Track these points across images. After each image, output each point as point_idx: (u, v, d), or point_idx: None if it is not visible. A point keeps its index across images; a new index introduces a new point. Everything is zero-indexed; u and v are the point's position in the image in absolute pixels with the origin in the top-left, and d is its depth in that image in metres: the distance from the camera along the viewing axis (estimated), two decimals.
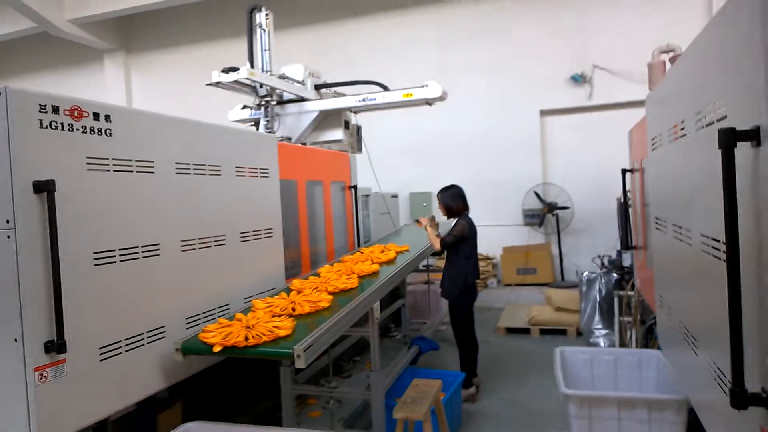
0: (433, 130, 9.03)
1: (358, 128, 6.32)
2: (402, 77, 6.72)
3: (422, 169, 9.16)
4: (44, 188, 2.02)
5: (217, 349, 2.48)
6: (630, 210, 5.97)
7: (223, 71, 4.50)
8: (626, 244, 4.97)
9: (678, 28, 7.07)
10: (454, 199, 4.76)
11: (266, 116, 4.99)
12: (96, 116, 2.30)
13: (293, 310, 2.92)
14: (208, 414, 2.91)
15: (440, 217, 5.04)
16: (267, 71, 4.87)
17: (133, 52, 11.00)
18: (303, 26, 9.74)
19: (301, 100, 5.30)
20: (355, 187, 5.19)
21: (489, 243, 8.57)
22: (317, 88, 5.55)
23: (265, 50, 4.92)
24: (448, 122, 8.91)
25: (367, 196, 5.76)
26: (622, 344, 5.57)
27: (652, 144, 2.97)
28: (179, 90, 10.24)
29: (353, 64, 9.04)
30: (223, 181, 3.14)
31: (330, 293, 3.22)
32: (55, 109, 2.12)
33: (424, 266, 6.32)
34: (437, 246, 4.60)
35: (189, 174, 2.86)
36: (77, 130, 2.21)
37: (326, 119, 5.58)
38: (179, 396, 3.16)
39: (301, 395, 3.87)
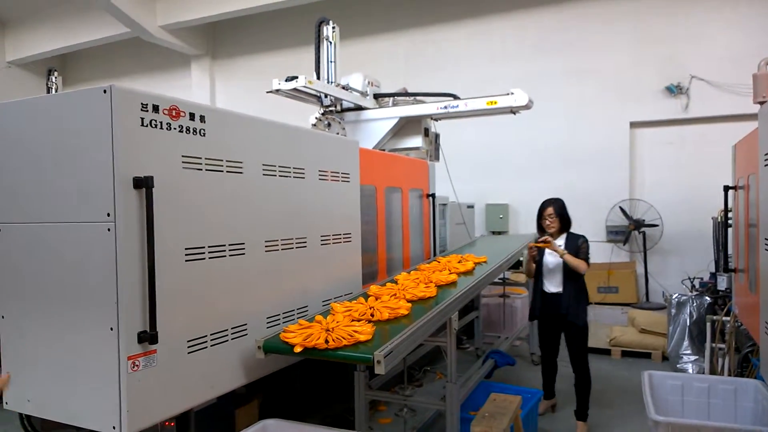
0: (512, 140, 8.81)
1: (437, 136, 6.28)
2: (474, 89, 6.58)
3: (499, 180, 8.95)
4: (143, 184, 2.10)
5: (298, 349, 2.48)
6: (731, 230, 5.57)
7: (286, 80, 4.60)
8: (724, 266, 4.62)
9: None
10: (567, 214, 4.52)
11: (328, 125, 5.05)
12: (192, 116, 2.38)
13: (372, 315, 2.89)
14: (282, 412, 2.93)
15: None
16: (332, 82, 4.94)
17: (218, 58, 11.49)
18: (374, 34, 9.83)
19: (359, 108, 5.35)
20: (433, 195, 5.14)
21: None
22: (376, 97, 5.58)
23: (331, 62, 5.00)
24: (528, 133, 8.67)
25: (444, 205, 5.70)
26: (713, 372, 5.19)
27: (766, 159, 2.73)
28: (260, 97, 10.54)
29: (425, 73, 9.02)
30: (307, 184, 3.18)
31: (408, 301, 3.18)
32: (156, 108, 2.20)
33: (500, 279, 6.16)
34: (583, 268, 4.30)
35: (275, 176, 2.91)
36: (174, 129, 2.29)
37: (405, 126, 5.57)
38: (257, 392, 3.22)
39: (373, 400, 3.84)
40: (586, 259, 4.32)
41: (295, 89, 4.63)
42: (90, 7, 10.51)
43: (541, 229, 4.49)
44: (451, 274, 3.91)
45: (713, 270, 6.36)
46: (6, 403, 2.29)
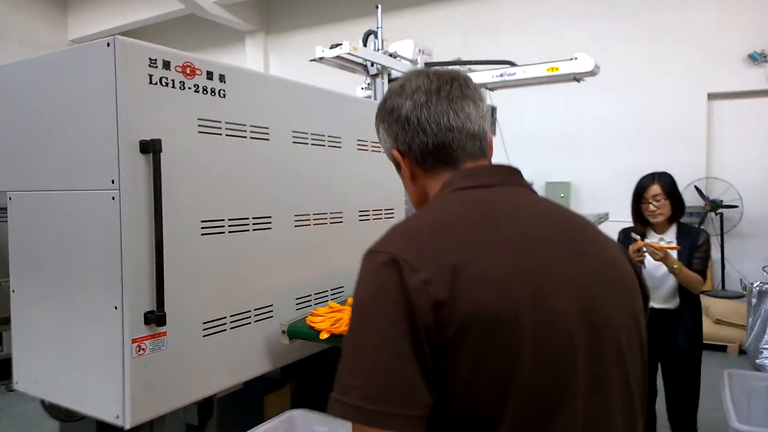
0: (576, 114, 8.24)
1: (494, 109, 5.88)
2: (538, 57, 6.12)
3: (561, 157, 8.41)
4: (150, 148, 1.88)
5: (324, 336, 2.24)
6: None
7: (330, 47, 4.32)
8: None
9: None
10: (680, 195, 3.17)
11: (375, 94, 4.74)
12: (210, 75, 2.14)
13: None
14: (315, 400, 2.71)
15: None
16: (379, 49, 4.62)
17: (272, 33, 11.35)
18: (431, 3, 9.37)
19: None
20: None
21: None
22: (428, 66, 5.20)
23: (379, 27, 4.67)
24: (593, 106, 8.08)
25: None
26: None
27: None
28: (314, 71, 10.34)
29: (484, 43, 8.53)
30: (343, 154, 2.90)
31: None
32: (166, 65, 1.97)
33: None
34: (698, 286, 2.99)
35: (306, 144, 2.65)
36: (189, 88, 2.06)
37: None
38: (290, 378, 3.01)
39: None
40: (704, 270, 3.01)
41: (339, 57, 4.35)
42: None
43: (640, 218, 3.18)
44: None
45: None
46: (16, 382, 2.16)
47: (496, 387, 0.80)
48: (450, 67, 5.08)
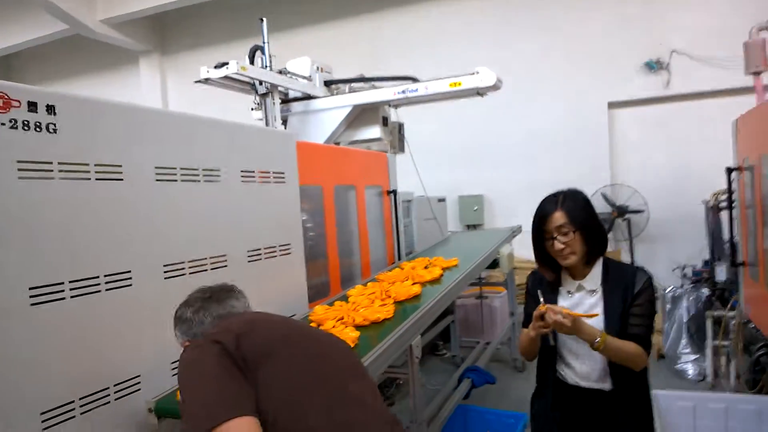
0: (484, 127, 8.26)
1: (400, 126, 5.68)
2: (443, 72, 6.00)
3: (473, 170, 8.39)
4: None
5: None
6: (724, 214, 5.07)
7: (216, 67, 3.96)
8: (732, 259, 4.08)
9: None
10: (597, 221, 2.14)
11: (265, 115, 4.40)
12: (33, 107, 1.73)
13: None
14: None
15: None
16: (267, 66, 4.30)
17: (169, 53, 10.73)
18: (348, 17, 9.16)
19: (306, 98, 4.73)
20: (394, 191, 4.52)
21: None
22: (328, 84, 4.95)
23: (265, 42, 4.36)
24: (500, 118, 8.12)
25: (409, 201, 5.09)
26: (716, 373, 4.69)
27: None
28: (218, 93, 9.82)
29: (392, 60, 8.40)
30: (223, 187, 2.54)
31: (358, 327, 2.57)
32: None
33: (476, 279, 5.58)
34: (640, 362, 1.96)
35: (174, 180, 2.26)
36: (3, 125, 1.65)
37: (361, 116, 4.95)
38: None
39: None
40: (647, 336, 2.00)
41: (226, 77, 3.97)
42: (25, 4, 9.66)
43: (546, 260, 2.16)
44: (414, 284, 3.31)
45: (706, 257, 5.87)
46: None
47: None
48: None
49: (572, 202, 2.11)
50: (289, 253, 3.01)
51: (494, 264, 4.71)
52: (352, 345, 2.32)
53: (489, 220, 8.36)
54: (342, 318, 2.66)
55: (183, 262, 2.29)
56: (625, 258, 7.52)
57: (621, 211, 7.29)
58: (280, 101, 4.74)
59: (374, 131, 4.91)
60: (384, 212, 4.49)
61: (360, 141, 5.19)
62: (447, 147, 8.43)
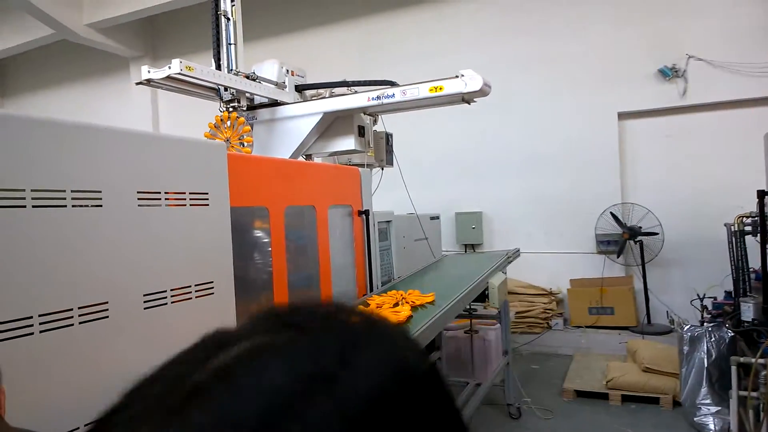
0: (484, 140, 7.68)
1: (388, 137, 5.13)
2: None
3: (471, 186, 7.79)
4: None
5: None
6: (750, 238, 4.44)
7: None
8: (758, 294, 3.45)
9: None
10: None
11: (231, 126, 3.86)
12: None
13: None
14: None
15: None
16: (232, 69, 3.77)
17: (160, 59, 10.29)
18: (338, 22, 8.65)
19: (275, 104, 4.19)
20: (366, 212, 3.94)
21: (553, 274, 7.12)
22: (300, 89, 4.41)
23: (230, 44, 3.83)
24: (501, 132, 7.55)
25: (388, 222, 4.50)
26: (741, 429, 4.02)
27: None
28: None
29: (382, 67, 7.84)
30: (108, 214, 1.98)
31: None
32: None
33: (465, 311, 4.97)
34: None
35: (22, 206, 1.70)
36: None
37: (336, 125, 4.41)
38: None
39: None
40: None
41: (168, 77, 3.45)
42: (9, 8, 9.29)
43: None
44: None
45: (728, 288, 5.21)
46: None
47: None
48: None
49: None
50: (211, 293, 2.43)
51: (481, 298, 4.10)
52: None
53: (488, 239, 7.75)
54: None
55: (31, 317, 1.72)
56: (637, 285, 6.87)
57: (633, 232, 6.66)
58: (245, 107, 4.23)
59: (348, 142, 4.36)
60: (354, 236, 3.91)
61: (335, 153, 4.65)
62: (443, 160, 7.86)
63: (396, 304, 3.25)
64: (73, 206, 1.83)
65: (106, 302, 1.95)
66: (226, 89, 3.91)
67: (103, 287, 1.94)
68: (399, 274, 4.66)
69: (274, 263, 3.03)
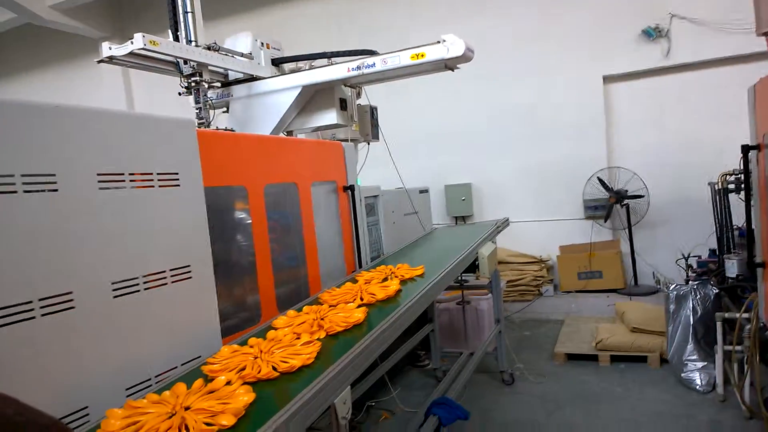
0: (469, 110, 7.55)
1: (373, 110, 5.00)
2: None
3: (460, 157, 7.70)
4: None
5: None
6: (733, 196, 4.40)
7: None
8: (741, 250, 3.41)
9: None
10: None
11: (197, 102, 3.70)
12: None
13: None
14: None
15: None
16: (192, 41, 3.60)
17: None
18: None
19: (251, 79, 4.02)
20: (351, 187, 3.82)
21: (543, 242, 7.08)
22: (276, 63, 4.24)
23: (187, 12, 3.64)
24: (486, 100, 7.42)
25: (375, 197, 4.39)
26: (726, 382, 4.04)
27: None
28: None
29: (364, 40, 7.65)
30: (66, 199, 1.85)
31: (259, 381, 1.90)
32: None
33: (457, 282, 4.91)
34: None
35: None
36: None
37: (316, 99, 4.26)
38: None
39: None
40: None
41: (131, 53, 3.27)
42: None
43: None
44: (360, 306, 2.64)
45: (712, 247, 5.20)
46: None
47: None
48: None
49: None
50: (188, 278, 2.32)
51: (471, 268, 4.03)
52: (231, 420, 1.63)
53: (478, 210, 7.68)
54: (243, 368, 1.98)
55: None
56: (624, 248, 6.86)
57: (619, 196, 6.62)
58: (220, 84, 4.06)
59: (330, 116, 4.22)
60: (341, 213, 3.80)
61: (318, 128, 4.50)
62: (430, 133, 7.75)
63: (385, 279, 3.15)
64: (24, 191, 1.70)
65: (70, 292, 1.83)
66: (186, 62, 3.72)
67: (65, 277, 1.82)
68: (389, 249, 4.57)
69: (256, 244, 2.92)
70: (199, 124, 3.70)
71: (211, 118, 3.86)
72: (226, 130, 3.52)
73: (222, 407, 1.68)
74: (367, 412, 4.45)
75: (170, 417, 1.65)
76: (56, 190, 1.81)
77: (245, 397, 1.75)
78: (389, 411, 4.41)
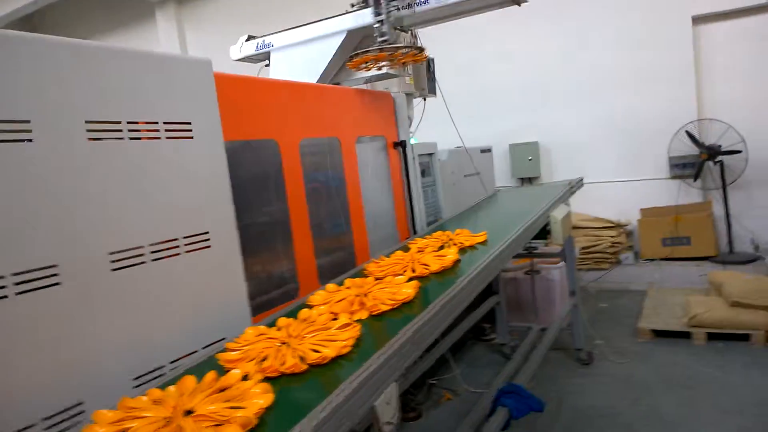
0: (538, 61, 6.88)
1: (429, 62, 4.51)
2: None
3: (526, 114, 7.06)
4: None
5: None
6: None
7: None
8: None
9: None
10: None
11: (376, 14, 3.09)
12: None
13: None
14: None
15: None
16: None
17: (186, 3, 9.78)
18: None
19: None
20: (403, 143, 3.37)
21: (622, 204, 6.44)
22: None
23: None
24: (556, 48, 6.72)
25: (430, 155, 3.92)
26: None
27: None
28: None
29: None
30: (43, 151, 1.51)
31: (280, 376, 1.53)
32: None
33: (525, 249, 4.40)
34: None
35: None
36: None
37: (364, 47, 3.79)
38: None
39: None
40: None
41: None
42: None
43: None
44: (409, 281, 2.22)
45: None
46: None
47: None
48: None
49: None
50: (207, 246, 1.97)
51: (542, 234, 3.52)
52: (245, 421, 1.28)
53: (546, 171, 7.06)
54: (264, 358, 1.61)
55: None
56: (717, 211, 6.09)
57: (712, 152, 5.85)
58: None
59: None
60: (391, 173, 3.37)
61: (367, 80, 4.05)
62: (494, 87, 7.13)
63: (441, 247, 2.72)
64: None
65: (54, 266, 1.50)
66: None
67: (45, 248, 1.49)
68: (448, 214, 4.12)
69: (292, 208, 2.54)
70: (380, 42, 3.14)
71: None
72: None
73: (229, 413, 1.32)
74: (428, 390, 4.08)
75: (166, 425, 1.30)
76: (30, 140, 1.47)
77: (261, 399, 1.38)
78: (451, 391, 4.02)
